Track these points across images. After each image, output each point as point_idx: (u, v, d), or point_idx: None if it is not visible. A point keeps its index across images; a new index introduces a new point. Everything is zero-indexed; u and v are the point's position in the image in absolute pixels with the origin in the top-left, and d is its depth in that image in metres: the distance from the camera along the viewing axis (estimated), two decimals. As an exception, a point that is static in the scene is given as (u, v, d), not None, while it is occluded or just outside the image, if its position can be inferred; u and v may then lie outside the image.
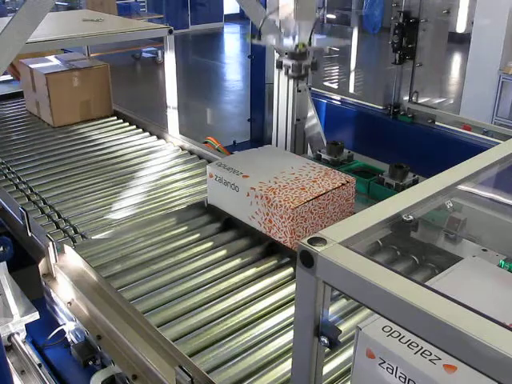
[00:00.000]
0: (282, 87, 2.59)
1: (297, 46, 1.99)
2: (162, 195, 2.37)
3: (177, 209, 2.20)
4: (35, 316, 1.64)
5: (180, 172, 2.60)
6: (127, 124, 3.28)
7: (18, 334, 1.63)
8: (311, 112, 2.65)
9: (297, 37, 2.06)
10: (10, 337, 1.63)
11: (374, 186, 2.20)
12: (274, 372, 1.37)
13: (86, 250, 1.85)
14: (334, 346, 0.83)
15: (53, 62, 3.37)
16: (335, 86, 5.98)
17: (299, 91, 2.59)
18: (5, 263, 1.57)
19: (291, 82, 2.54)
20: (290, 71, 2.06)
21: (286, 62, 2.04)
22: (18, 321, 1.61)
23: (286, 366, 1.37)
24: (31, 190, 2.43)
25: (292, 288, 1.70)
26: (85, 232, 2.04)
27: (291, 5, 1.99)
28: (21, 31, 1.52)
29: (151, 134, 3.10)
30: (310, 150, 2.71)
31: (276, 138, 2.74)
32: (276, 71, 2.57)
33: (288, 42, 2.04)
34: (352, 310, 1.56)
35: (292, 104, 2.60)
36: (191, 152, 2.82)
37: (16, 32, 1.52)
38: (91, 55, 3.81)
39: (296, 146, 2.70)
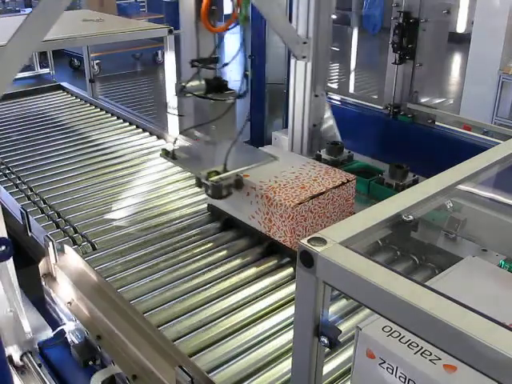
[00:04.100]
0: (297, 91, 2.52)
1: (209, 173, 1.74)
2: (162, 195, 2.37)
3: (177, 208, 2.21)
4: (48, 334, 1.61)
5: (180, 172, 2.59)
6: (127, 124, 3.28)
7: (30, 352, 1.61)
8: (329, 118, 2.60)
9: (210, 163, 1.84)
10: (22, 356, 1.60)
11: (374, 186, 2.20)
12: (274, 372, 1.37)
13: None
14: (334, 346, 0.83)
15: None
16: (335, 85, 5.97)
17: (316, 96, 2.52)
18: (15, 276, 1.54)
19: (308, 85, 2.44)
20: (209, 191, 1.79)
21: (205, 181, 1.77)
22: (30, 339, 1.58)
23: (286, 365, 1.37)
24: (31, 190, 2.43)
25: (292, 288, 1.70)
26: (85, 232, 2.04)
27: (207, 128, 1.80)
28: (32, 36, 1.48)
29: (151, 134, 3.10)
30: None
31: (292, 143, 2.67)
32: (292, 73, 2.51)
33: (199, 170, 1.80)
34: (352, 309, 1.56)
35: (309, 109, 2.54)
36: (191, 152, 2.82)
37: (27, 36, 1.47)
38: (91, 55, 3.81)
39: (313, 152, 2.61)
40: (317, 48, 2.43)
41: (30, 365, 1.59)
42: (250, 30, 3.55)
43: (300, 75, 2.49)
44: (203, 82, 1.79)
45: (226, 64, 1.81)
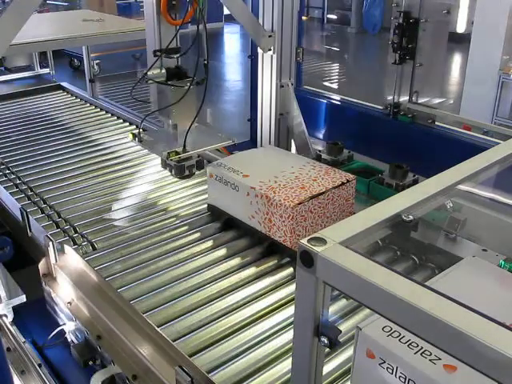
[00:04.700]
0: (265, 82, 2.66)
1: (169, 153, 1.94)
2: (162, 195, 2.37)
3: (177, 208, 2.20)
4: (22, 299, 1.64)
5: (180, 172, 2.59)
6: (127, 124, 3.28)
7: (6, 316, 1.64)
8: (295, 108, 2.68)
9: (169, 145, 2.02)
10: None
11: (374, 186, 2.20)
12: (274, 372, 1.37)
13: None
14: (334, 346, 0.84)
15: None
16: (335, 85, 5.98)
17: (282, 86, 2.65)
18: None
19: (274, 77, 2.61)
20: (172, 171, 1.99)
21: (169, 162, 1.97)
22: (6, 303, 1.61)
23: (286, 365, 1.37)
24: (31, 190, 2.43)
25: (292, 288, 1.70)
26: (85, 232, 2.04)
27: (169, 110, 1.97)
28: (11, 25, 1.51)
29: (151, 134, 3.09)
30: (293, 146, 2.75)
31: (260, 133, 2.80)
32: (259, 67, 2.65)
33: (160, 151, 1.99)
34: (352, 309, 1.56)
35: (275, 99, 2.66)
36: (191, 152, 2.82)
37: (6, 25, 1.51)
38: (91, 55, 3.81)
39: (280, 141, 2.76)
40: (282, 41, 2.57)
41: (5, 327, 1.63)
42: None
43: (267, 67, 2.63)
44: (163, 71, 1.95)
45: (184, 53, 2.00)
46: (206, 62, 1.90)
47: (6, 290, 1.64)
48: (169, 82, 1.96)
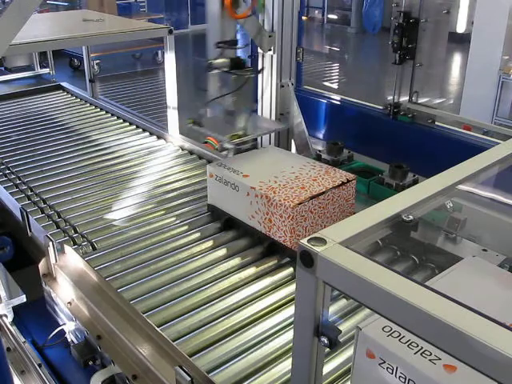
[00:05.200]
0: (265, 82, 2.69)
1: (231, 136, 2.11)
2: (162, 195, 2.37)
3: (177, 208, 2.20)
4: (22, 299, 1.64)
5: (180, 172, 2.60)
6: (127, 124, 3.28)
7: (5, 316, 1.64)
8: (295, 108, 2.69)
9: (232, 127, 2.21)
10: None
11: (374, 186, 2.20)
12: (274, 372, 1.37)
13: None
14: (334, 345, 0.83)
15: None
16: (335, 85, 5.98)
17: (282, 86, 2.68)
18: None
19: (274, 77, 2.66)
20: (229, 155, 2.21)
21: (226, 146, 2.18)
22: (6, 304, 1.61)
23: (286, 365, 1.37)
24: (31, 190, 2.42)
25: (292, 288, 1.70)
26: (85, 232, 2.04)
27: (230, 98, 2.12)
28: (11, 25, 1.53)
29: (151, 134, 3.10)
30: (294, 146, 2.77)
31: None
32: (260, 67, 2.67)
33: (223, 135, 2.16)
34: (352, 309, 1.56)
35: (275, 99, 2.70)
36: (191, 152, 2.82)
37: (6, 25, 1.52)
38: (91, 55, 3.81)
39: (280, 141, 2.79)
40: (282, 41, 2.61)
41: (5, 327, 1.62)
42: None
43: (267, 67, 2.66)
44: (227, 60, 2.11)
45: (247, 45, 2.26)
46: (263, 53, 2.11)
47: (6, 289, 1.64)
48: (231, 71, 2.11)
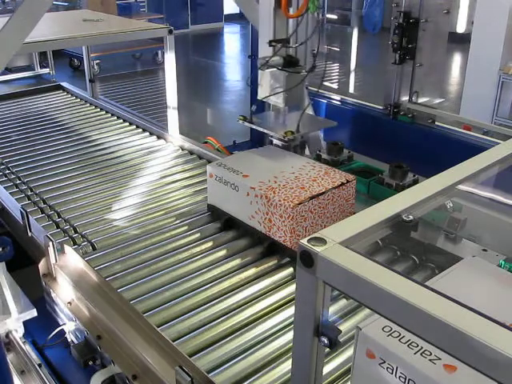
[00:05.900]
0: None
1: (285, 133, 2.14)
2: (162, 195, 2.37)
3: (177, 208, 2.20)
4: (33, 313, 1.64)
5: (180, 172, 2.60)
6: (127, 124, 3.28)
7: (16, 331, 1.63)
8: (309, 110, 2.67)
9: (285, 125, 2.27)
10: (7, 334, 1.64)
11: (374, 186, 2.20)
12: (274, 372, 1.37)
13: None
14: (334, 345, 0.83)
15: None
16: (335, 85, 5.97)
17: None
18: (3, 263, 1.57)
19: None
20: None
21: (277, 142, 2.24)
22: (16, 318, 1.61)
23: (286, 366, 1.37)
24: (31, 190, 2.43)
25: (292, 288, 1.70)
26: (85, 232, 2.04)
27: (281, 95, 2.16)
28: (20, 30, 1.52)
29: (151, 134, 3.10)
30: (307, 150, 2.74)
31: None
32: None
33: (276, 131, 2.21)
34: (352, 309, 1.56)
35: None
36: (191, 152, 2.82)
37: (15, 31, 1.52)
38: (91, 55, 3.81)
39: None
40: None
41: (15, 342, 1.63)
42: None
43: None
44: (281, 58, 2.15)
45: (302, 43, 2.23)
46: (315, 52, 2.14)
47: (16, 303, 1.62)
48: (285, 69, 2.14)
